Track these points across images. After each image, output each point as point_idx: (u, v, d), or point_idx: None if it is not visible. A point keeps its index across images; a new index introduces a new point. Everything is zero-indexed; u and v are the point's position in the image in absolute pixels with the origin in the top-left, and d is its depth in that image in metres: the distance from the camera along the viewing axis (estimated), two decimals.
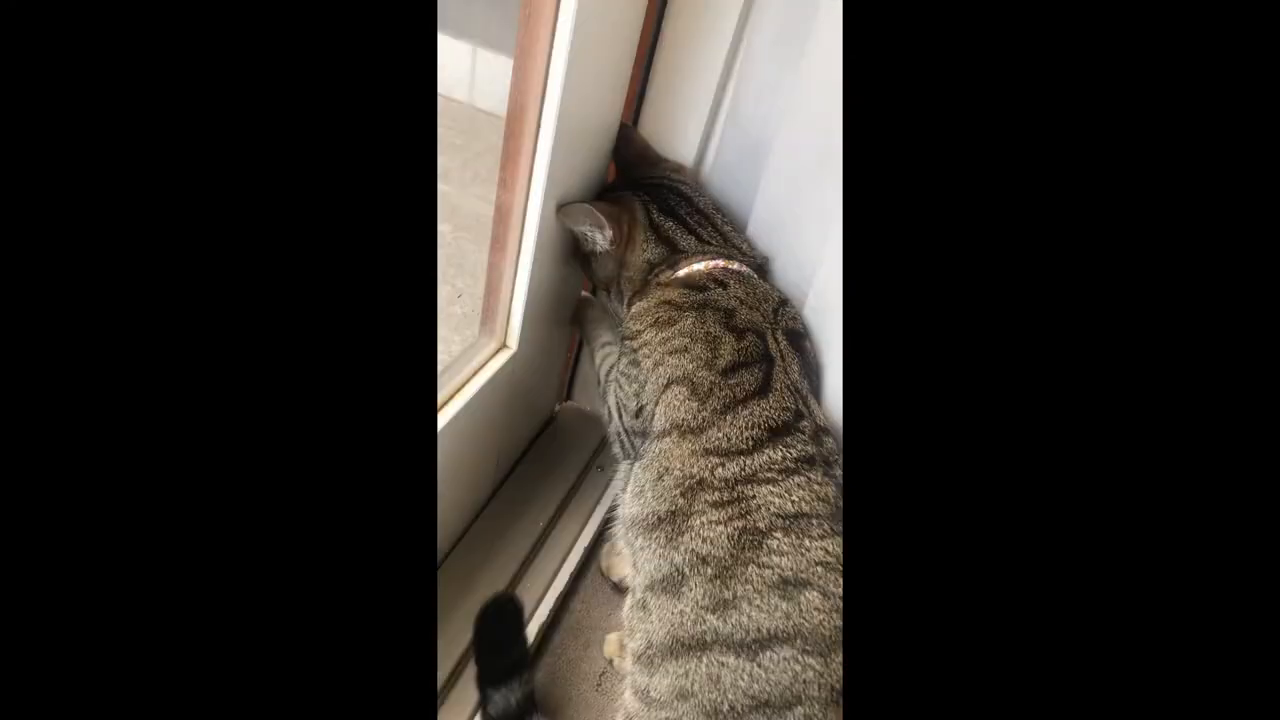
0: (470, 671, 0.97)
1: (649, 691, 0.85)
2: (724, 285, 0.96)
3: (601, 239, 0.99)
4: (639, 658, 0.87)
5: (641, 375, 0.94)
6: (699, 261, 0.98)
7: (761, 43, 1.02)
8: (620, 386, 0.98)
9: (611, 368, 1.02)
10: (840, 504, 0.85)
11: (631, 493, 0.92)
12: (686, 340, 0.91)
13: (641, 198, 1.02)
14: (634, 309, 0.99)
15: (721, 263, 0.98)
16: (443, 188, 2.04)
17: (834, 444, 0.90)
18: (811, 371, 0.95)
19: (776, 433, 0.86)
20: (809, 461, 0.86)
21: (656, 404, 0.92)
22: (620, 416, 0.98)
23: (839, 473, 0.87)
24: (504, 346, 1.06)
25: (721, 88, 1.08)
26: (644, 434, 0.93)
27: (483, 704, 0.92)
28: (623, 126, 1.08)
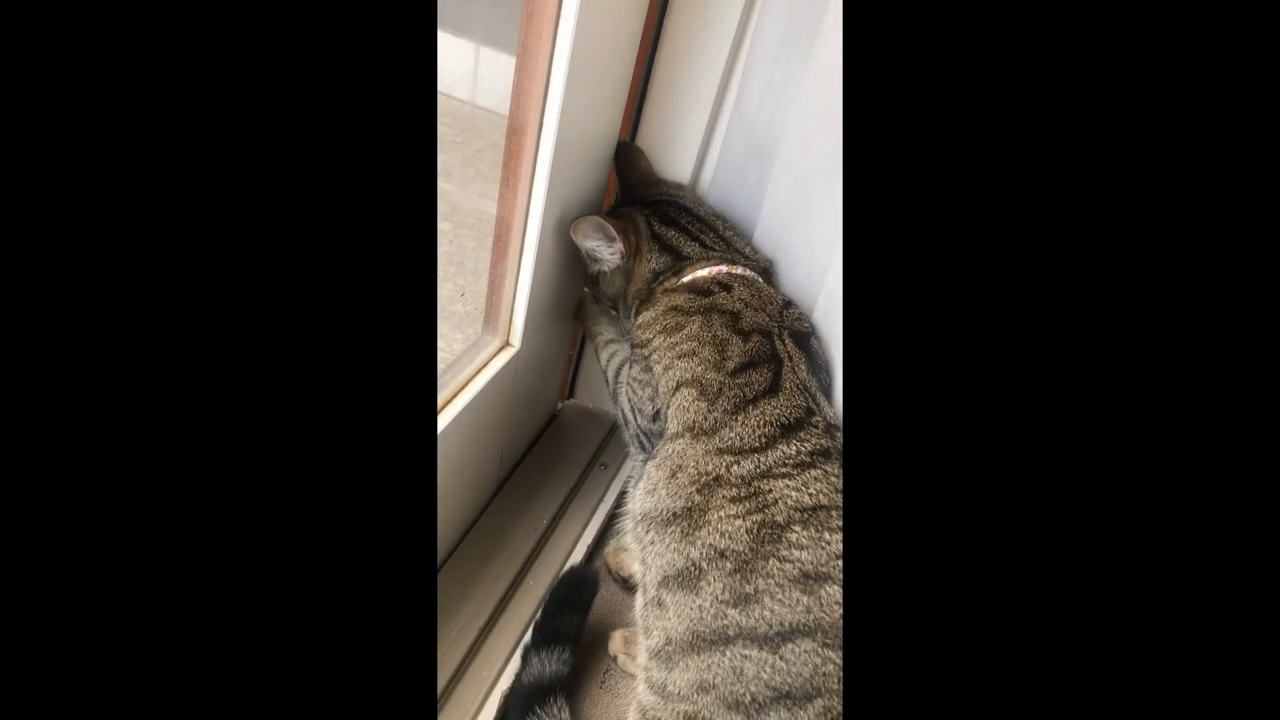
0: (473, 671, 0.98)
1: (666, 686, 0.85)
2: (728, 289, 0.97)
3: (609, 253, 1.01)
4: (656, 654, 0.87)
5: (654, 380, 0.95)
6: (703, 267, 1.00)
7: (765, 45, 1.02)
8: (633, 391, 0.99)
9: (620, 370, 1.04)
10: None
11: (644, 489, 0.93)
12: (694, 344, 0.93)
13: (642, 211, 1.04)
14: (642, 318, 1.00)
15: (725, 268, 1.00)
16: (444, 186, 2.04)
17: None
18: (820, 370, 0.96)
19: (789, 429, 0.87)
20: (824, 454, 0.87)
21: (668, 407, 0.93)
22: (636, 418, 0.99)
23: None
24: (507, 345, 1.06)
25: (721, 94, 1.08)
26: (661, 434, 0.95)
27: (520, 670, 0.95)
28: (627, 146, 1.10)
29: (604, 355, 1.09)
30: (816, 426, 0.89)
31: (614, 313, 1.10)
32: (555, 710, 0.93)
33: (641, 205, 1.06)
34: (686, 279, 1.00)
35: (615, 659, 1.06)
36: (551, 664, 0.95)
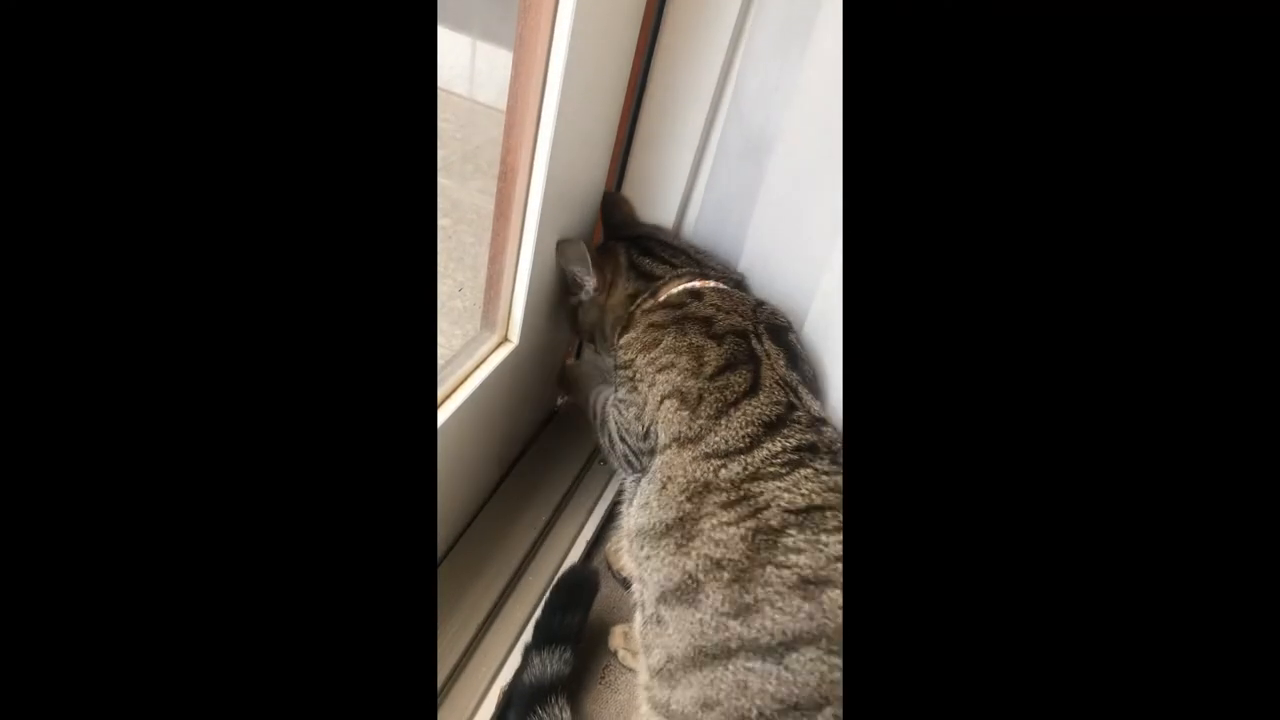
0: (472, 668, 0.98)
1: (670, 705, 0.84)
2: (700, 297, 1.01)
3: (588, 281, 1.05)
4: (658, 673, 0.86)
5: (640, 398, 0.97)
6: (676, 285, 1.04)
7: (761, 43, 1.02)
8: (620, 412, 1.01)
9: (607, 399, 1.05)
10: None
11: (637, 505, 0.94)
12: (671, 355, 0.95)
13: (623, 244, 1.09)
14: (623, 340, 1.03)
15: (697, 283, 1.04)
16: (442, 181, 2.03)
17: (834, 433, 0.91)
18: (800, 362, 0.97)
19: (772, 427, 0.88)
20: (812, 450, 0.87)
21: (655, 422, 0.94)
22: (624, 439, 1.00)
23: None
24: (505, 340, 1.06)
25: (719, 92, 1.08)
26: (652, 451, 0.96)
27: (521, 669, 0.95)
28: (612, 195, 1.15)
29: (592, 399, 1.11)
30: (799, 422, 0.89)
31: (590, 344, 1.13)
32: (556, 710, 0.92)
33: (622, 240, 1.10)
34: (661, 297, 1.03)
35: (615, 654, 1.06)
36: (553, 663, 0.94)
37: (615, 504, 1.23)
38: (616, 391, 1.03)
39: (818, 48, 0.95)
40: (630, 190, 1.19)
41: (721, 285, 1.03)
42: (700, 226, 1.18)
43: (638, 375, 0.98)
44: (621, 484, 1.06)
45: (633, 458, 1.00)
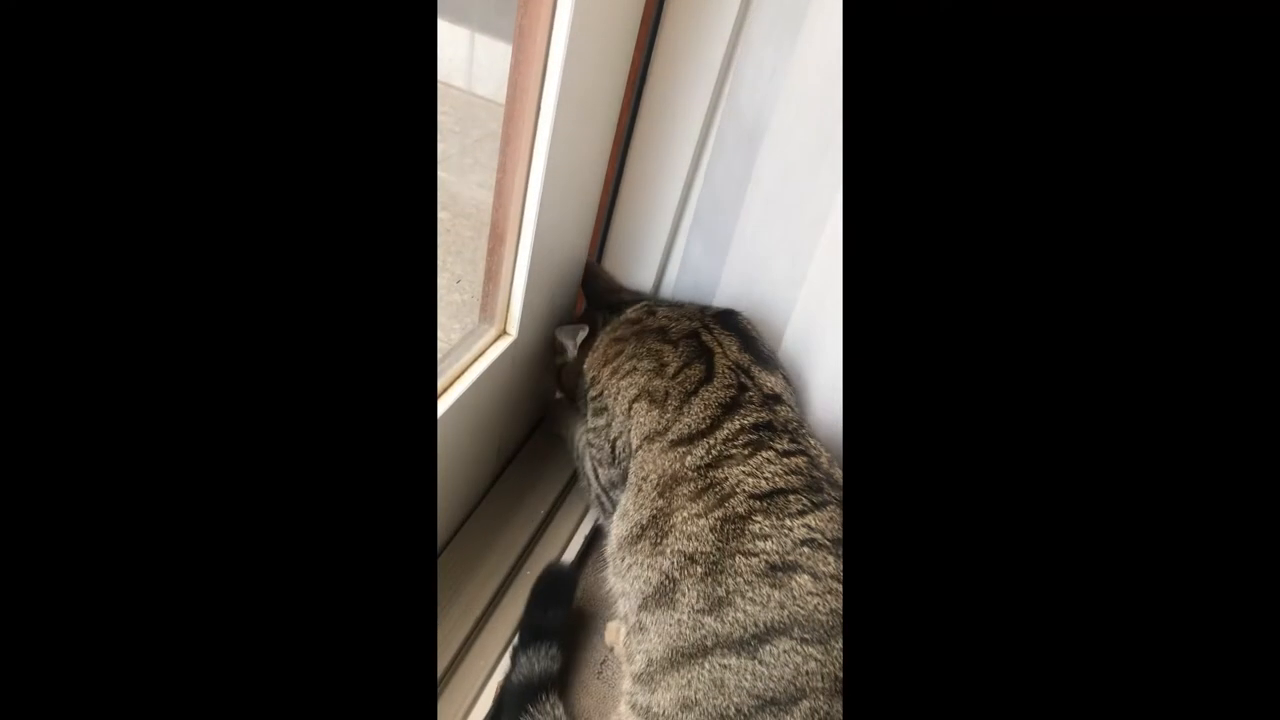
0: (470, 660, 0.98)
1: (651, 709, 0.85)
2: (653, 313, 1.07)
3: (570, 350, 1.11)
4: (638, 678, 0.87)
5: (609, 416, 1.01)
6: (633, 313, 1.10)
7: (758, 33, 1.02)
8: (591, 444, 1.05)
9: (582, 434, 1.09)
10: (814, 474, 0.87)
11: (617, 517, 0.96)
12: (634, 361, 1.00)
13: (600, 312, 1.16)
14: (588, 361, 1.08)
15: (654, 305, 1.10)
16: (441, 175, 2.03)
17: (790, 411, 0.95)
18: (753, 342, 1.02)
19: (728, 408, 0.92)
20: (769, 428, 0.90)
21: (629, 433, 0.97)
22: (598, 477, 1.04)
23: (805, 442, 0.91)
24: (504, 333, 1.06)
25: (716, 92, 1.08)
26: (624, 477, 0.99)
27: (510, 673, 0.95)
28: (592, 265, 1.22)
29: (575, 436, 1.14)
30: (752, 401, 0.93)
31: (571, 401, 1.18)
32: (548, 707, 0.92)
33: (600, 309, 1.17)
34: (622, 318, 1.10)
35: (612, 650, 1.06)
36: (540, 661, 0.95)
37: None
38: (587, 420, 1.07)
39: (811, 30, 0.96)
40: (629, 189, 1.19)
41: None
42: (697, 221, 1.18)
43: (605, 391, 1.02)
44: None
45: (604, 496, 1.04)
